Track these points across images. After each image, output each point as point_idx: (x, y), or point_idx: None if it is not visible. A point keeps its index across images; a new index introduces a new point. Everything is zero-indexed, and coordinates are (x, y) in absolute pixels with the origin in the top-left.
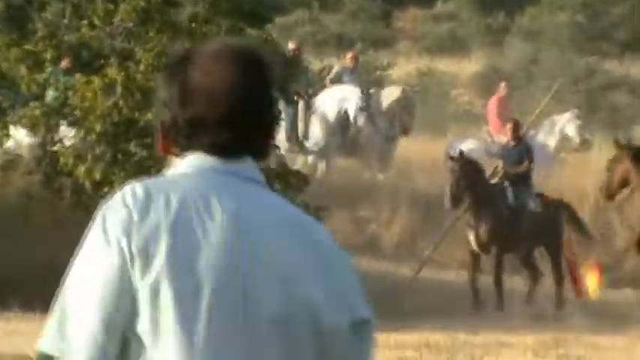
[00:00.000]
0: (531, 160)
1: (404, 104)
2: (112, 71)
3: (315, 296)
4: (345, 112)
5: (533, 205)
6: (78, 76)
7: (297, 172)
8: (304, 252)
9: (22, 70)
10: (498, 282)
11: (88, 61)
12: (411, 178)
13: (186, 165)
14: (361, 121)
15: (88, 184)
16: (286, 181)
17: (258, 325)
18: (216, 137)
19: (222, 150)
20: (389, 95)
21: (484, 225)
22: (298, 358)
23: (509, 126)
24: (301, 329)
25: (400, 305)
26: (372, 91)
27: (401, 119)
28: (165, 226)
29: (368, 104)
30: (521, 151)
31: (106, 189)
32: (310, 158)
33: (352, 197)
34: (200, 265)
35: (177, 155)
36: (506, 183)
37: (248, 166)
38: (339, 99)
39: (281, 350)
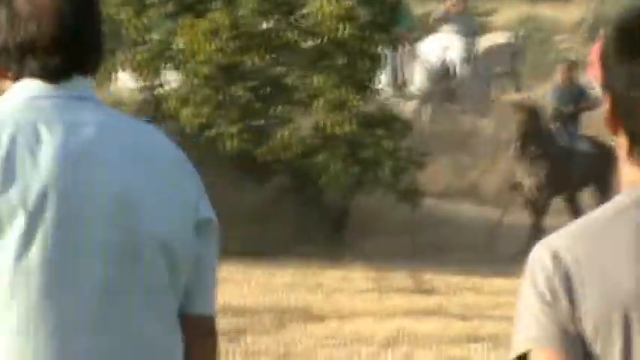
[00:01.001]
0: (585, 103)
1: (513, 50)
2: (217, 14)
3: (158, 216)
4: (449, 61)
5: (584, 146)
6: (182, 19)
7: (400, 118)
8: (142, 169)
9: (127, 13)
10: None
11: (191, 4)
12: (512, 124)
13: (19, 94)
14: (464, 70)
15: (191, 128)
16: (389, 127)
17: (100, 246)
18: (46, 61)
19: (53, 73)
20: (494, 41)
21: (543, 170)
22: (143, 273)
23: (561, 68)
24: (146, 247)
25: (500, 250)
26: (475, 39)
27: (512, 66)
28: None
29: (471, 53)
30: (574, 93)
31: (210, 133)
32: (413, 104)
33: (454, 143)
34: (32, 197)
35: (12, 79)
36: (559, 125)
37: (79, 85)
38: (443, 47)
39: (125, 269)
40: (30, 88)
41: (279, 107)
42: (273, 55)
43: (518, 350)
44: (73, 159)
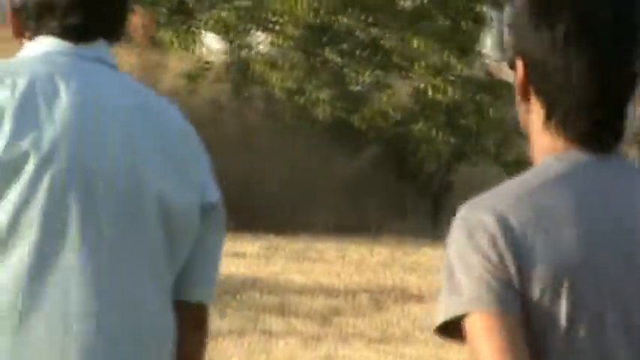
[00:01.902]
0: None
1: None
2: None
3: (162, 180)
4: None
5: None
6: None
7: (507, 83)
8: (152, 134)
9: None
10: None
11: None
12: None
13: (36, 48)
14: None
15: (280, 93)
16: (494, 92)
17: (105, 202)
18: (65, 20)
19: (73, 33)
20: None
21: None
22: (144, 238)
23: None
24: (148, 210)
25: None
26: None
27: None
28: (10, 109)
29: None
30: None
31: (301, 99)
32: None
33: None
34: (44, 144)
35: (29, 39)
36: None
37: (99, 48)
38: None
39: (127, 229)
40: (48, 43)
41: (375, 72)
42: (369, 16)
43: (457, 312)
44: (86, 114)
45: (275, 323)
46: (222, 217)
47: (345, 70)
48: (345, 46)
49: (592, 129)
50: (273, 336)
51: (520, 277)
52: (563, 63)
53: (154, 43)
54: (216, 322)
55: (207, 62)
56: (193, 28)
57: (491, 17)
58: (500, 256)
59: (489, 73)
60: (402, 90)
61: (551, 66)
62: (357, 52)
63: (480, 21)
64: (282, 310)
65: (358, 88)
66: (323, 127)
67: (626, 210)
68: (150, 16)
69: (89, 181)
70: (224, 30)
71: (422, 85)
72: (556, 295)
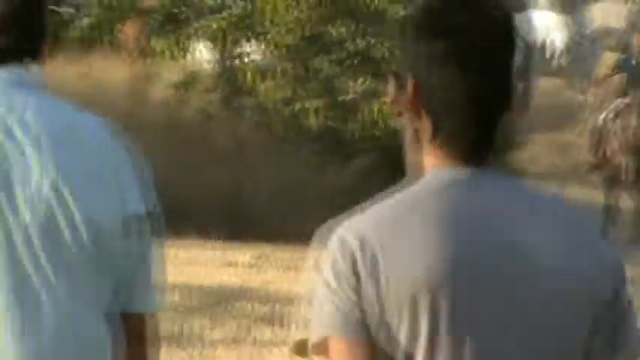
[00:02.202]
0: None
1: (630, 26)
2: None
3: (84, 198)
4: (549, 43)
5: None
6: None
7: None
8: (74, 155)
9: None
10: None
11: None
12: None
13: None
14: (564, 43)
15: (270, 103)
16: None
17: (31, 225)
18: None
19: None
20: (604, 12)
21: None
22: (69, 255)
23: (638, 36)
24: (73, 229)
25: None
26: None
27: (623, 39)
28: None
29: (573, 25)
30: None
31: (291, 108)
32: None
33: (556, 120)
34: None
35: None
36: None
37: (22, 70)
38: (543, 27)
39: (52, 249)
40: None
41: (366, 81)
42: (359, 26)
43: (318, 334)
44: (9, 140)
45: (267, 333)
46: (152, 225)
47: (336, 79)
48: (335, 55)
49: (474, 146)
50: (265, 346)
51: (379, 298)
52: (445, 82)
53: (145, 53)
54: (207, 332)
55: (197, 72)
56: (184, 38)
57: None
58: (359, 279)
59: None
60: None
61: (433, 82)
62: (348, 62)
63: None
64: (273, 320)
65: (349, 97)
66: (313, 137)
67: (504, 223)
68: (141, 26)
69: (15, 208)
70: (214, 40)
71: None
72: (414, 317)
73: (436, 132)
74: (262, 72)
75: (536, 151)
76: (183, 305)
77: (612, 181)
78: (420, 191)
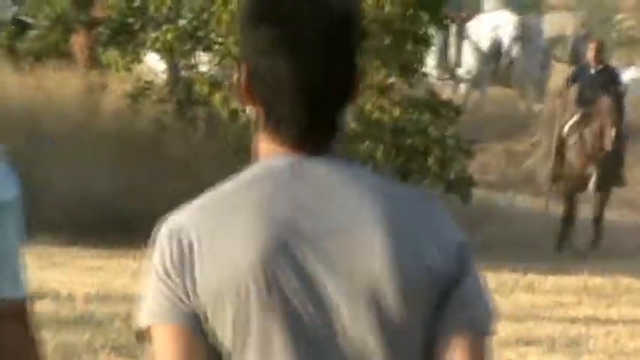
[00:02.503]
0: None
1: (583, 35)
2: None
3: None
4: (500, 41)
5: None
6: None
7: (448, 102)
8: None
9: None
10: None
11: None
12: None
13: None
14: (515, 51)
15: (224, 114)
16: (436, 112)
17: None
18: None
19: None
20: (556, 22)
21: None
22: None
23: (591, 46)
24: None
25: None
26: (528, 17)
27: (576, 48)
28: None
29: (524, 33)
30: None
31: (243, 118)
32: (462, 87)
33: (507, 129)
34: None
35: None
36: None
37: None
38: (493, 26)
39: None
40: None
41: None
42: None
43: (141, 324)
44: None
45: None
46: (14, 209)
47: None
48: None
49: (303, 133)
50: None
51: (194, 290)
52: (274, 70)
53: (98, 64)
54: None
55: (150, 82)
56: (133, 47)
57: (432, 37)
58: (176, 269)
59: (431, 93)
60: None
61: (264, 72)
62: None
63: (421, 41)
64: None
65: None
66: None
67: (325, 210)
68: (93, 37)
69: None
70: (168, 50)
71: (366, 105)
72: (223, 305)
73: (267, 119)
74: (215, 82)
75: (486, 160)
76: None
77: (574, 191)
78: (243, 179)
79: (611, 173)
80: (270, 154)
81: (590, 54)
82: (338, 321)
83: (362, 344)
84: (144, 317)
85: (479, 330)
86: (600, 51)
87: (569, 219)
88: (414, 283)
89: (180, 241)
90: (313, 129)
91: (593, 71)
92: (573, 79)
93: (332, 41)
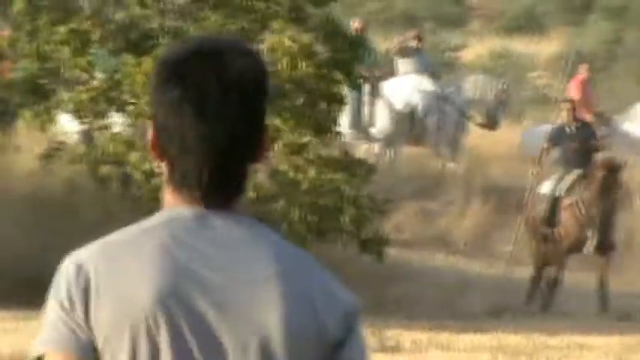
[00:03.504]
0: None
1: (501, 98)
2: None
3: None
4: (415, 105)
5: None
6: (127, 57)
7: (363, 162)
8: None
9: (66, 51)
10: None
11: (137, 42)
12: (484, 167)
13: None
14: (432, 115)
15: (137, 174)
16: (350, 171)
17: None
18: None
19: None
20: (477, 84)
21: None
22: None
23: (564, 105)
24: None
25: (471, 304)
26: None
27: (493, 112)
28: None
29: (441, 97)
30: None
31: (157, 179)
32: (376, 146)
33: (421, 188)
34: None
35: None
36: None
37: None
38: (410, 89)
39: None
40: None
41: None
42: None
43: (35, 352)
44: None
45: None
46: None
47: None
48: None
49: (207, 189)
50: None
51: (87, 321)
52: (180, 128)
53: (10, 125)
54: None
55: (63, 143)
56: (50, 109)
57: (345, 96)
58: (74, 302)
59: (345, 152)
60: (260, 169)
61: (171, 129)
62: None
63: (335, 100)
64: None
65: None
66: None
67: (232, 262)
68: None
69: None
70: (81, 111)
71: (280, 165)
72: (118, 341)
73: (173, 173)
74: (129, 143)
75: (401, 219)
76: None
77: (567, 253)
78: (148, 224)
79: (609, 236)
80: (175, 205)
81: (564, 113)
82: None
83: None
84: (41, 343)
85: None
86: (574, 109)
87: (537, 278)
88: (304, 342)
89: (80, 275)
90: (217, 185)
91: (572, 129)
92: (553, 140)
93: (237, 102)
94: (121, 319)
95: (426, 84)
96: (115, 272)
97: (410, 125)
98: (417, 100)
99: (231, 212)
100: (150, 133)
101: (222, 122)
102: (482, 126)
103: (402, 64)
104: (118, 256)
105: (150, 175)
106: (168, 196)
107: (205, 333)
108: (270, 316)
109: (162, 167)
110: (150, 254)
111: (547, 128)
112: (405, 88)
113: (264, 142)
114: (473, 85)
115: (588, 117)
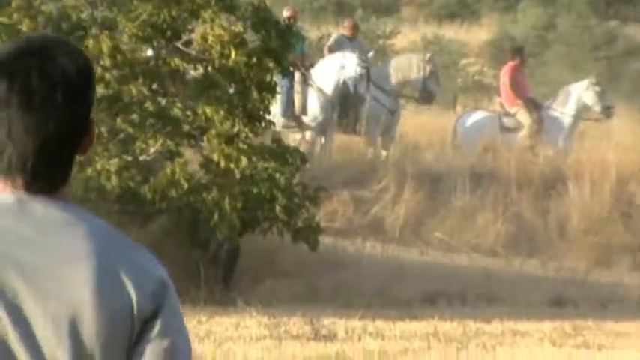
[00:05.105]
0: None
1: (431, 70)
2: (95, 41)
3: None
4: (345, 82)
5: None
6: None
7: (294, 150)
8: None
9: None
10: None
11: (67, 32)
12: (417, 154)
13: None
14: (362, 89)
15: None
16: (283, 160)
17: None
18: None
19: None
20: (403, 64)
21: None
22: None
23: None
24: None
25: (406, 292)
26: (371, 54)
27: (425, 86)
28: None
29: (368, 70)
30: None
31: (89, 170)
32: (308, 134)
33: (354, 176)
34: None
35: None
36: None
37: None
38: (337, 68)
39: None
40: None
41: (165, 141)
42: (157, 85)
43: None
44: None
45: None
46: None
47: (134, 139)
48: (134, 115)
49: (32, 177)
50: None
51: None
52: (7, 119)
53: None
54: None
55: None
56: None
57: (277, 84)
58: None
59: (277, 141)
60: (192, 159)
61: (0, 121)
62: (147, 122)
63: (266, 88)
64: None
65: (148, 157)
66: (113, 198)
67: (50, 244)
68: None
69: None
70: None
71: (212, 154)
72: None
73: (0, 162)
74: None
75: (334, 207)
76: None
77: None
78: None
79: None
80: (1, 192)
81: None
82: (40, 339)
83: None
84: None
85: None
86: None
87: None
88: (115, 317)
89: None
90: (41, 174)
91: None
92: None
93: (62, 97)
94: None
95: (355, 66)
96: None
97: (342, 110)
98: (347, 81)
99: (55, 198)
100: None
101: (47, 115)
102: (419, 102)
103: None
104: None
105: (81, 165)
106: None
107: (20, 314)
108: (80, 293)
109: None
110: None
111: (479, 115)
112: (334, 70)
113: (89, 135)
114: (399, 67)
115: (519, 103)
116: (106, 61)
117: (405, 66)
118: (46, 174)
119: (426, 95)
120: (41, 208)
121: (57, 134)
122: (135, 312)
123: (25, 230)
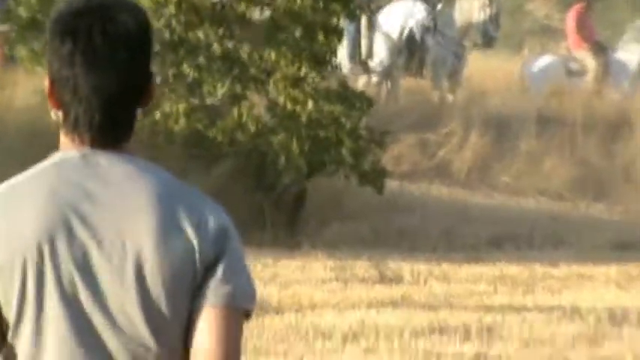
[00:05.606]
0: None
1: (491, 15)
2: None
3: None
4: (410, 30)
5: None
6: None
7: (361, 94)
8: None
9: None
10: None
11: None
12: (484, 98)
13: None
14: (427, 39)
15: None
16: (349, 103)
17: None
18: None
19: None
20: (465, 9)
21: None
22: None
23: None
24: None
25: (472, 235)
26: (439, 6)
27: (485, 30)
28: None
29: (435, 21)
30: None
31: (156, 114)
32: (374, 78)
33: (420, 120)
34: None
35: None
36: None
37: None
38: (403, 15)
39: None
40: None
41: (232, 84)
42: (224, 29)
43: None
44: None
45: None
46: None
47: (201, 83)
48: (201, 59)
49: (97, 131)
50: None
51: None
52: (72, 78)
53: (10, 61)
54: None
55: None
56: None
57: (343, 28)
58: None
59: (343, 84)
60: (258, 102)
61: (65, 80)
62: (214, 66)
63: (332, 32)
64: None
65: (215, 101)
66: (180, 140)
67: (114, 197)
68: (3, 35)
69: None
70: None
71: (278, 98)
72: (9, 276)
73: (66, 120)
74: None
75: (400, 150)
76: None
77: None
78: (38, 168)
79: None
80: (67, 148)
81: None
82: (107, 291)
83: (125, 311)
84: None
85: (232, 305)
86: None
87: None
88: (177, 265)
89: None
90: (106, 128)
91: None
92: None
93: (124, 53)
94: (13, 251)
95: (421, 13)
96: (10, 209)
97: (407, 56)
98: (413, 30)
99: (119, 152)
100: (46, 84)
101: (110, 73)
102: (479, 46)
103: None
104: (14, 196)
105: (150, 108)
106: (63, 140)
107: (85, 263)
108: (143, 244)
109: (58, 115)
110: (39, 193)
111: (546, 59)
112: (401, 18)
113: (150, 89)
114: (462, 12)
115: (585, 46)
116: (171, 9)
117: (467, 10)
118: (111, 129)
119: (486, 40)
120: (106, 162)
121: (120, 90)
122: (197, 258)
123: (90, 184)
